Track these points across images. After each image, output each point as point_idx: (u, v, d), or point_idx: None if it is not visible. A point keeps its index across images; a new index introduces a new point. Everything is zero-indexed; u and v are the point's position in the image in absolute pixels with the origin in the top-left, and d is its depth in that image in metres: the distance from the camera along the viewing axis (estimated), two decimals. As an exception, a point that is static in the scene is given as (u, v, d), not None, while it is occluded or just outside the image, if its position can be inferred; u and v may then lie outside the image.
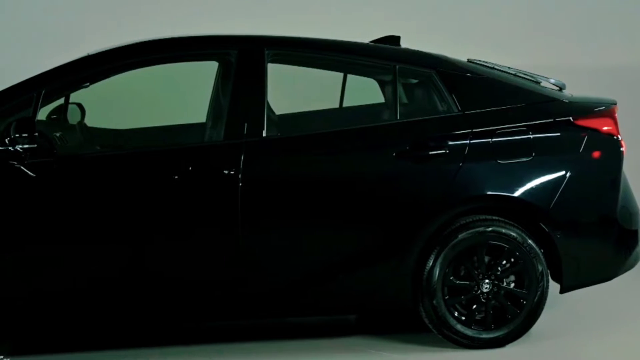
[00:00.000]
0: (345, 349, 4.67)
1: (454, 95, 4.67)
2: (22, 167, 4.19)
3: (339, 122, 5.40)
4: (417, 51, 4.84)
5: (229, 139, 4.41)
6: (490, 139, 4.58)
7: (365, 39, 5.02)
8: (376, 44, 4.98)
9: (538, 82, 4.95)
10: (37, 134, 4.15)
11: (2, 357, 4.25)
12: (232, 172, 4.31)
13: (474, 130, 4.58)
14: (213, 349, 4.66)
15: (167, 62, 4.64)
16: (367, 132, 4.65)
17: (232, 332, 4.97)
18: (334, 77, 5.36)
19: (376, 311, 5.20)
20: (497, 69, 4.90)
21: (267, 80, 4.48)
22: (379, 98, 5.26)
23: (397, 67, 4.72)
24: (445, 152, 4.51)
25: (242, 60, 4.51)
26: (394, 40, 4.99)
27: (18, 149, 4.13)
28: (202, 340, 4.82)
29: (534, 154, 4.58)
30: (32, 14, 7.08)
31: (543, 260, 4.58)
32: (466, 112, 4.63)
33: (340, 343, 4.77)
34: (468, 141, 4.56)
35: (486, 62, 4.95)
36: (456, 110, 4.65)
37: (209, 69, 5.22)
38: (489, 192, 4.55)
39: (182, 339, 4.84)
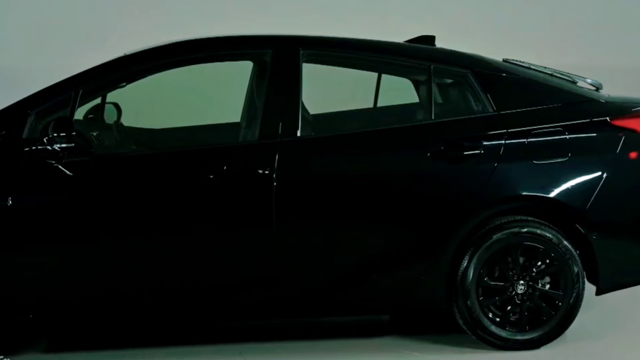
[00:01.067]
0: (378, 349, 4.67)
1: (489, 95, 4.65)
2: (59, 166, 4.24)
3: (373, 122, 5.40)
4: (453, 51, 4.82)
5: (263, 139, 4.42)
6: (525, 139, 4.55)
7: (400, 39, 5.01)
8: (411, 44, 4.97)
9: (574, 82, 4.91)
10: (74, 133, 4.19)
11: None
12: (266, 172, 4.32)
13: (510, 130, 4.55)
14: (245, 348, 4.67)
15: (202, 62, 4.67)
16: (401, 132, 4.64)
17: (263, 332, 4.98)
18: (369, 77, 5.35)
19: (409, 311, 5.19)
20: (533, 69, 4.87)
21: (302, 80, 4.49)
22: (414, 98, 5.25)
23: (432, 67, 4.71)
24: (480, 153, 4.49)
25: (277, 60, 4.52)
26: (429, 40, 4.97)
27: (56, 148, 4.18)
28: (234, 339, 4.84)
29: (570, 155, 4.55)
30: (70, 14, 7.17)
31: (579, 261, 4.55)
32: (501, 112, 4.61)
33: (372, 343, 4.76)
34: (503, 141, 4.54)
35: (522, 62, 4.92)
36: (491, 110, 4.62)
37: (244, 68, 5.25)
38: (524, 193, 4.52)
39: (212, 338, 4.87)
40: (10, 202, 4.17)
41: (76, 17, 7.14)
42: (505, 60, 4.93)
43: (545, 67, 4.96)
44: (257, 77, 4.99)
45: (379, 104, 5.46)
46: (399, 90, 5.34)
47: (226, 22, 5.99)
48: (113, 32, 6.88)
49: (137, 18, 7.23)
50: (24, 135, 4.26)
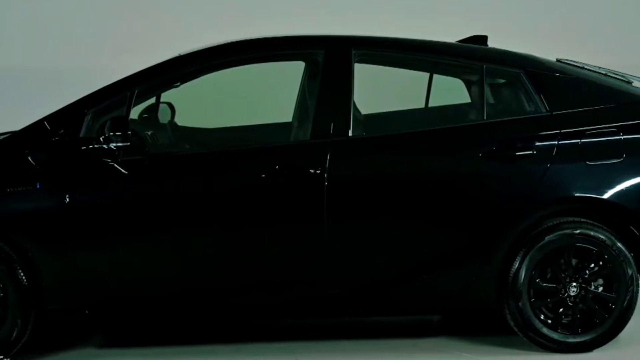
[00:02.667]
0: (428, 349, 4.66)
1: (542, 95, 4.62)
2: (115, 165, 4.31)
3: (424, 122, 5.39)
4: (505, 51, 4.80)
5: (315, 139, 4.45)
6: (579, 140, 4.50)
7: (453, 39, 5.00)
8: (463, 44, 4.95)
9: (629, 82, 4.85)
10: (130, 132, 4.27)
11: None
12: (318, 172, 4.35)
13: (563, 131, 4.52)
14: (297, 346, 4.70)
15: (255, 62, 4.72)
16: (453, 132, 4.63)
17: (312, 331, 5.01)
18: (420, 77, 5.35)
19: (459, 312, 5.17)
20: (587, 69, 4.82)
21: (353, 80, 4.51)
22: (465, 98, 5.23)
23: (485, 67, 4.69)
24: (533, 153, 4.46)
25: (330, 60, 4.54)
26: (481, 40, 4.95)
27: (112, 146, 4.25)
28: (285, 338, 4.88)
29: (624, 156, 4.49)
30: (125, 16, 7.30)
31: (633, 264, 4.49)
32: (554, 113, 4.57)
33: (422, 343, 4.75)
34: (556, 142, 4.50)
35: (576, 62, 4.87)
36: (544, 111, 4.59)
37: (296, 69, 5.28)
38: (577, 194, 4.48)
39: (263, 336, 4.91)
40: (68, 200, 4.26)
41: (133, 18, 7.28)
42: (558, 60, 4.89)
43: (600, 67, 4.91)
44: (309, 77, 5.02)
45: (431, 104, 5.44)
46: (451, 91, 5.32)
47: (260, 23, 6.06)
48: (170, 34, 6.98)
49: (182, 19, 7.33)
50: (81, 134, 4.35)
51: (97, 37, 7.29)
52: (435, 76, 5.35)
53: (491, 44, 4.93)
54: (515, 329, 4.55)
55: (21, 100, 7.09)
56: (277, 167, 4.37)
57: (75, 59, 7.24)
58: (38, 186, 4.27)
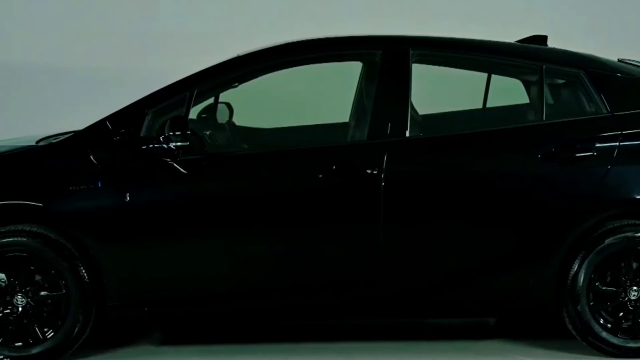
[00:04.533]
0: (483, 352, 4.63)
1: (603, 96, 4.55)
2: (174, 164, 4.36)
3: (482, 122, 5.35)
4: (565, 51, 4.74)
5: (372, 139, 4.45)
6: (641, 142, 4.44)
7: (512, 39, 4.96)
8: (522, 44, 4.91)
9: (693, 83, 4.75)
10: (189, 132, 4.32)
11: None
12: (374, 172, 4.35)
13: (624, 132, 4.45)
14: (352, 347, 4.71)
15: (313, 63, 4.74)
16: (511, 133, 4.59)
17: (368, 331, 5.01)
18: (478, 77, 5.31)
19: (516, 315, 5.12)
20: (650, 69, 4.74)
21: (411, 80, 4.50)
22: (524, 98, 5.18)
23: (544, 67, 4.64)
24: (593, 155, 4.40)
25: (387, 61, 4.54)
26: (541, 39, 4.90)
27: (172, 146, 4.31)
28: (340, 338, 4.89)
29: (688, 158, 4.41)
30: (184, 17, 7.40)
31: (696, 268, 4.41)
32: (616, 113, 4.51)
33: (477, 346, 4.73)
34: (617, 143, 4.43)
35: (638, 62, 4.79)
36: (605, 112, 4.53)
37: (352, 69, 5.28)
38: (639, 196, 4.40)
39: (318, 336, 4.92)
40: (128, 198, 4.33)
41: (194, 20, 7.39)
42: (620, 60, 4.82)
43: (664, 68, 4.82)
44: (366, 78, 5.03)
45: (488, 105, 5.40)
46: (509, 91, 5.28)
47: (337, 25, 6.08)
48: (230, 35, 7.06)
49: (239, 20, 7.40)
50: (142, 134, 4.41)
51: (153, 39, 7.40)
52: (493, 76, 5.30)
53: (551, 44, 4.88)
54: (574, 333, 4.49)
55: (83, 100, 7.23)
56: (334, 167, 4.38)
57: (135, 59, 7.36)
58: (100, 185, 4.35)
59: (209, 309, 4.50)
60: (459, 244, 4.42)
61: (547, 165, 4.41)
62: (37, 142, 4.74)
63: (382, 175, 4.34)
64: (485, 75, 5.29)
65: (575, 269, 4.40)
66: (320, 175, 4.38)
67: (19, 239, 4.31)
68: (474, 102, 5.41)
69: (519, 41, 4.98)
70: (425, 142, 4.53)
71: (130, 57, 7.38)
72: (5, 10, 7.46)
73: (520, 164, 4.46)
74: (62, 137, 4.65)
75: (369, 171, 4.35)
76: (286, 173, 4.45)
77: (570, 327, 4.48)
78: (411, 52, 4.55)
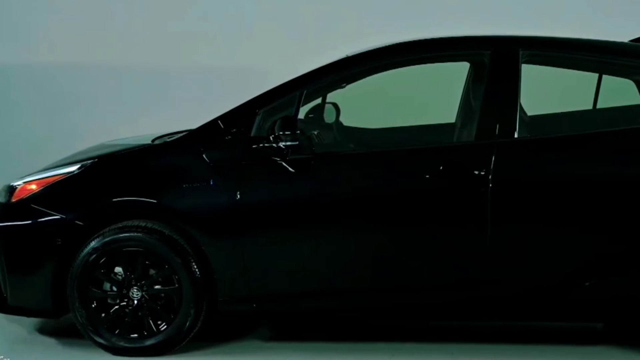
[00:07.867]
0: (589, 356, 4.56)
1: None
2: (283, 163, 4.45)
3: (592, 124, 5.26)
4: (680, 50, 4.62)
5: (480, 140, 4.43)
6: None
7: (624, 39, 4.87)
8: (635, 44, 4.80)
9: None
10: (298, 131, 4.40)
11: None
12: (482, 173, 4.33)
13: None
14: (455, 348, 4.69)
15: (421, 63, 4.76)
16: (622, 134, 4.49)
17: (470, 332, 4.98)
18: (587, 78, 5.22)
19: (627, 321, 5.00)
20: None
21: (520, 81, 4.46)
22: (637, 99, 5.07)
23: (658, 67, 4.54)
24: None
25: (496, 61, 4.51)
26: (655, 39, 4.79)
27: (281, 145, 4.39)
28: (443, 339, 4.88)
29: None
30: (293, 19, 7.54)
31: None
32: None
33: (584, 351, 4.65)
34: None
35: None
36: None
37: (458, 70, 5.27)
38: None
39: (421, 337, 4.93)
40: (239, 196, 4.44)
41: (304, 21, 7.52)
42: None
43: None
44: (474, 78, 5.00)
45: (599, 106, 5.30)
46: (621, 92, 5.16)
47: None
48: (336, 36, 7.14)
49: (347, 21, 7.47)
50: (252, 133, 4.51)
51: (262, 40, 7.54)
52: (604, 76, 5.20)
53: (666, 43, 4.75)
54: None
55: (199, 100, 7.45)
56: (441, 167, 4.38)
57: (244, 59, 7.52)
58: (212, 182, 4.47)
59: (316, 306, 4.57)
60: (567, 247, 4.35)
61: (661, 167, 4.31)
62: (153, 140, 4.92)
63: (490, 177, 4.32)
64: (594, 75, 5.20)
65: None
66: (427, 176, 4.39)
67: (135, 234, 4.47)
68: (584, 103, 5.32)
69: (632, 41, 4.87)
70: (534, 144, 4.48)
71: (240, 57, 7.56)
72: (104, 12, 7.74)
73: (631, 166, 4.36)
74: (176, 136, 4.80)
75: (476, 172, 4.34)
76: (393, 173, 4.48)
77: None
78: (521, 52, 4.51)
